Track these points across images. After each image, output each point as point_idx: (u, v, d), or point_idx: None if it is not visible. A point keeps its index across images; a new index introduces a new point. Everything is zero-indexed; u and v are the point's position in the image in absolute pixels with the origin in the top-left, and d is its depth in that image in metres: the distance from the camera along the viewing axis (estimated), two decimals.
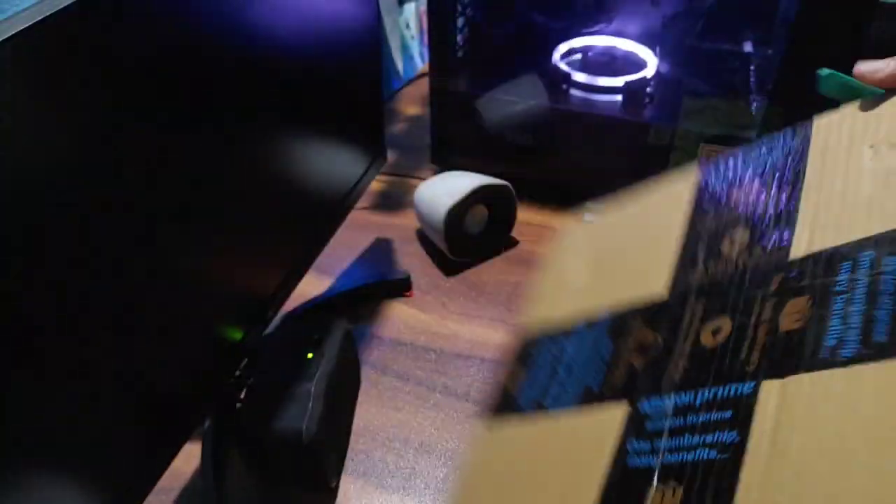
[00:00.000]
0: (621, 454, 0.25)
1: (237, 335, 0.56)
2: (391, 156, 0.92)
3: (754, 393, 0.23)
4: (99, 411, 0.42)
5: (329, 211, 0.69)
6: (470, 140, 0.92)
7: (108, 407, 0.42)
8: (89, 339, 0.39)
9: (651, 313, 0.29)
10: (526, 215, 0.88)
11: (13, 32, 0.31)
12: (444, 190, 0.78)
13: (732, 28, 0.90)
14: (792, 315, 0.24)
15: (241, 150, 0.51)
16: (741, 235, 0.29)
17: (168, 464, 0.50)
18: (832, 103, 0.36)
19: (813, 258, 0.25)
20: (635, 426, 0.25)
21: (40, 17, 0.32)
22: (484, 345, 0.72)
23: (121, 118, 0.39)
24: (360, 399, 0.67)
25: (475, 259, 0.82)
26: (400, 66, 1.25)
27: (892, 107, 0.30)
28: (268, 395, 0.58)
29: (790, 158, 0.31)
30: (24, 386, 0.36)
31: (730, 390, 0.24)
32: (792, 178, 0.30)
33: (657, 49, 0.92)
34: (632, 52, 0.94)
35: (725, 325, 0.27)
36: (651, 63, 0.91)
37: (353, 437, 0.64)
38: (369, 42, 0.70)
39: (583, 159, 0.88)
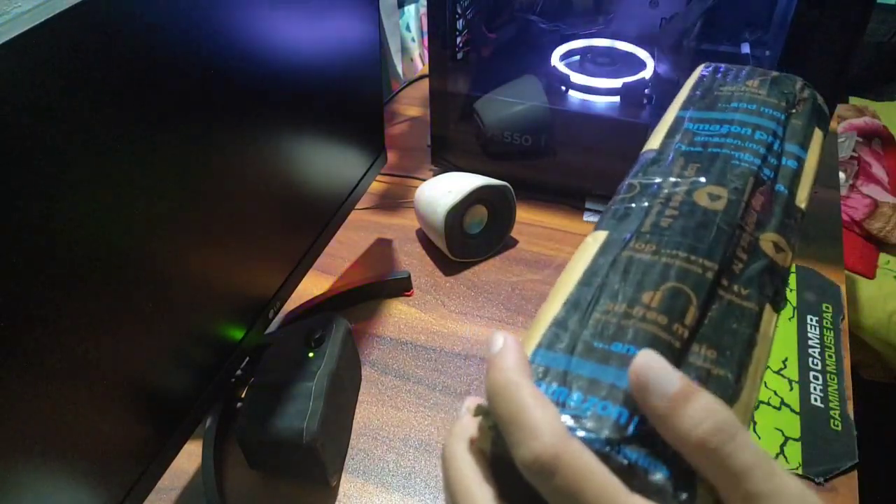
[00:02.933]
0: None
1: (239, 334, 0.56)
2: (391, 156, 0.92)
3: None
4: (99, 410, 0.42)
5: (330, 211, 0.69)
6: (469, 141, 0.93)
7: (109, 406, 0.43)
8: (90, 339, 0.40)
9: None
10: (525, 215, 0.88)
11: (14, 34, 0.32)
12: (444, 190, 0.78)
13: (730, 29, 0.90)
14: None
15: (242, 152, 0.52)
16: None
17: (169, 463, 0.50)
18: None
19: None
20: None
21: (41, 20, 0.33)
22: (483, 344, 0.73)
23: (123, 119, 0.39)
24: (360, 398, 0.67)
25: (475, 259, 0.82)
26: (400, 67, 1.26)
27: None
28: (269, 394, 0.58)
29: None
30: (23, 385, 0.36)
31: None
32: None
33: (655, 50, 0.93)
34: (630, 54, 0.94)
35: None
36: (649, 64, 0.91)
37: (353, 436, 0.64)
38: (370, 44, 0.70)
39: (581, 160, 0.89)
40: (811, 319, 0.73)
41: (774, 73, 0.39)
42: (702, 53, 0.90)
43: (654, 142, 0.36)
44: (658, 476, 0.21)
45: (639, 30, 0.96)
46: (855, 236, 1.34)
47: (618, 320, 0.25)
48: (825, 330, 0.72)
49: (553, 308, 0.27)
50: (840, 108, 1.52)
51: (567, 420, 0.23)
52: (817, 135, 0.36)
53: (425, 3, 0.86)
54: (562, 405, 0.23)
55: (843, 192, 1.38)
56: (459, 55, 0.91)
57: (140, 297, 0.43)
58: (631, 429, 0.22)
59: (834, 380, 0.67)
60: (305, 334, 0.62)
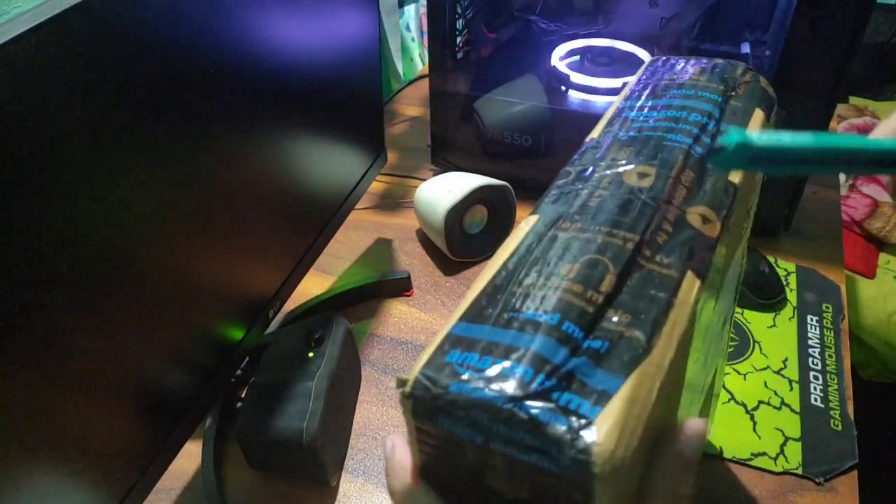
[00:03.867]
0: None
1: (238, 334, 0.56)
2: (391, 156, 0.92)
3: None
4: (99, 410, 0.42)
5: (330, 211, 0.69)
6: (469, 141, 0.92)
7: (108, 406, 0.43)
8: (89, 339, 0.40)
9: None
10: (525, 215, 0.88)
11: (14, 34, 0.32)
12: (444, 190, 0.78)
13: (730, 29, 0.90)
14: None
15: (242, 152, 0.52)
16: None
17: (169, 463, 0.50)
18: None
19: None
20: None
21: (42, 19, 0.33)
22: None
23: (123, 118, 0.39)
24: (360, 398, 0.67)
25: (475, 259, 0.82)
26: (400, 67, 1.26)
27: None
28: (268, 394, 0.58)
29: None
30: (24, 385, 0.36)
31: None
32: None
33: (655, 50, 0.93)
34: (630, 54, 0.94)
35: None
36: None
37: (353, 436, 0.64)
38: (370, 44, 0.70)
39: None
40: (811, 319, 0.73)
41: (718, 61, 0.40)
42: (702, 53, 0.90)
43: (595, 131, 0.37)
44: (557, 428, 0.22)
45: (639, 29, 0.96)
46: (855, 236, 1.34)
47: (535, 291, 0.27)
48: (825, 330, 0.72)
49: (479, 286, 0.28)
50: (840, 108, 1.52)
51: (476, 383, 0.24)
52: (758, 114, 0.37)
53: (425, 2, 0.86)
54: (473, 369, 0.24)
55: (844, 191, 1.38)
56: (459, 55, 0.90)
57: (140, 296, 0.43)
58: (534, 386, 0.23)
59: (834, 380, 0.67)
60: (305, 334, 0.62)
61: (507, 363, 0.24)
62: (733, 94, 0.37)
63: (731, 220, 0.32)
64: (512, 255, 0.29)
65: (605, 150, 0.35)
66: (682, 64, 0.41)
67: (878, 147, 0.24)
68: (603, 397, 0.23)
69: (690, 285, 0.28)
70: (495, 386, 0.23)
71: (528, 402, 0.23)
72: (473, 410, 0.23)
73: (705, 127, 0.35)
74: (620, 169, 0.32)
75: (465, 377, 0.24)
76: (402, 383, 0.25)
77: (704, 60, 0.41)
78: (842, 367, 0.68)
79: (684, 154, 0.33)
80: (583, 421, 0.22)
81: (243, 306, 0.57)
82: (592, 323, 0.25)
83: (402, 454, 0.28)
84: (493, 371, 0.24)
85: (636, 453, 0.23)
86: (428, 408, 0.25)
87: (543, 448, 0.22)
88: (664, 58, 0.42)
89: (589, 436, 0.22)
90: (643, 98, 0.38)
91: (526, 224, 0.31)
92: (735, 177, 0.33)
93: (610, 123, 0.37)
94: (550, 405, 0.23)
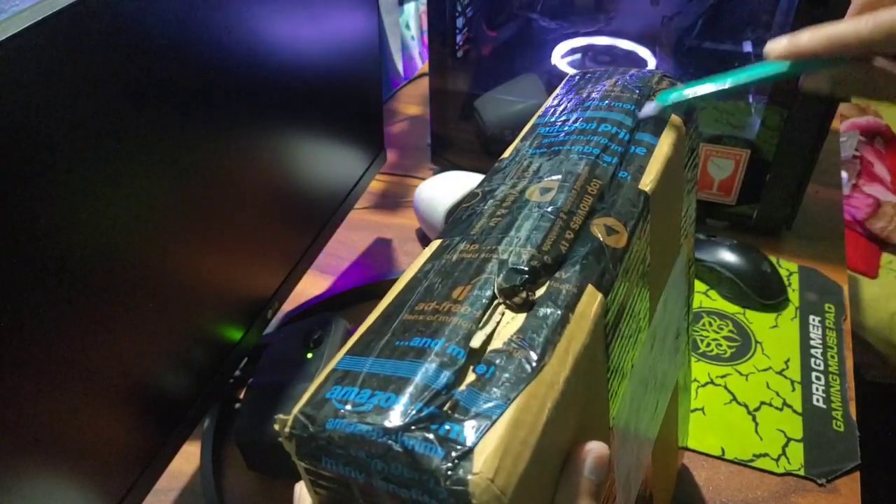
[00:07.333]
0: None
1: (237, 335, 0.56)
2: (391, 155, 0.92)
3: None
4: (97, 411, 0.42)
5: (329, 210, 0.69)
6: (469, 140, 0.92)
7: (106, 407, 0.42)
8: (88, 339, 0.39)
9: None
10: None
11: (12, 32, 0.31)
12: (444, 190, 0.78)
13: (732, 28, 0.90)
14: None
15: (240, 150, 0.51)
16: None
17: (167, 464, 0.50)
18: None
19: None
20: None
21: (39, 18, 0.33)
22: None
23: (121, 118, 0.39)
24: None
25: None
26: (400, 65, 1.26)
27: None
28: (267, 395, 0.58)
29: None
30: (22, 386, 0.36)
31: None
32: None
33: (657, 49, 0.92)
34: (631, 52, 0.94)
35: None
36: (651, 63, 0.91)
37: None
38: (369, 42, 0.70)
39: None
40: (813, 320, 0.73)
41: (633, 71, 0.40)
42: (703, 52, 0.90)
43: (508, 150, 0.36)
44: (433, 459, 0.21)
45: (640, 28, 0.96)
46: (857, 236, 1.33)
47: (424, 318, 0.26)
48: (827, 330, 0.72)
49: (372, 317, 0.27)
50: (842, 107, 1.52)
51: (352, 417, 0.23)
52: (674, 121, 0.37)
53: (425, 0, 0.85)
54: (352, 403, 0.23)
55: (846, 191, 1.37)
56: (459, 53, 0.90)
57: (138, 297, 0.43)
58: (411, 416, 0.22)
59: (836, 380, 0.66)
60: (304, 335, 0.62)
61: (385, 395, 0.23)
62: (648, 101, 0.37)
63: (644, 227, 0.31)
64: (408, 282, 0.28)
65: (512, 168, 0.34)
66: (599, 77, 0.40)
67: (765, 72, 0.36)
68: (484, 423, 0.22)
69: (591, 299, 0.27)
70: (370, 419, 0.22)
71: (405, 435, 0.22)
72: (351, 447, 0.22)
73: (615, 136, 0.34)
74: (524, 186, 0.32)
75: (342, 412, 0.23)
76: (281, 423, 0.24)
77: (620, 71, 0.40)
78: (844, 368, 0.67)
79: (590, 164, 0.32)
80: (462, 450, 0.21)
81: (242, 307, 0.56)
82: (484, 345, 0.24)
83: (307, 500, 0.26)
84: (369, 405, 0.23)
85: (528, 480, 0.22)
86: (310, 448, 0.24)
87: (422, 482, 0.21)
88: (583, 72, 0.42)
89: (467, 466, 0.21)
90: (557, 114, 0.38)
91: (428, 249, 0.30)
92: (646, 184, 0.32)
93: (522, 141, 0.37)
94: (428, 436, 0.22)
